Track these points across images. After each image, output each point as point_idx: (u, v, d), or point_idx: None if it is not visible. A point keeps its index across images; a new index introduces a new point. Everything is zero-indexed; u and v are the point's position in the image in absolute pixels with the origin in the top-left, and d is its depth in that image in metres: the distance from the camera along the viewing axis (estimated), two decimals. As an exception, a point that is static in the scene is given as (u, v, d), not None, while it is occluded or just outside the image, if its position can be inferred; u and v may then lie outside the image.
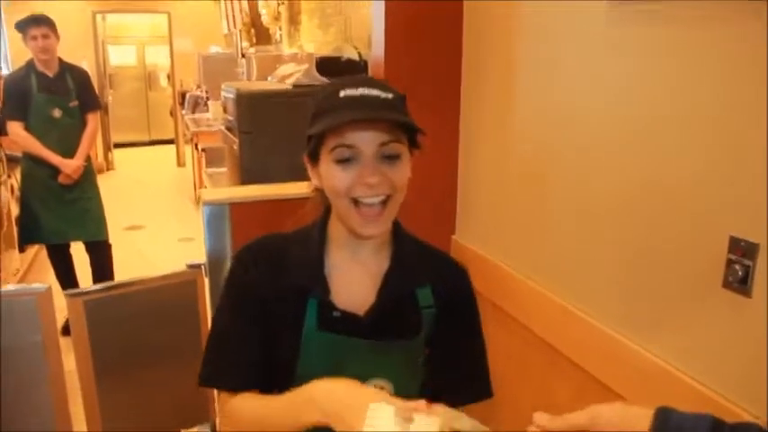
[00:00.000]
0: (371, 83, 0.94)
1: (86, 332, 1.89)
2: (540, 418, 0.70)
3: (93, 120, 3.46)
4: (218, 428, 2.16)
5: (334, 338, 0.97)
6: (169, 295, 2.05)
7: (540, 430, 0.70)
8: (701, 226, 1.25)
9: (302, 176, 2.33)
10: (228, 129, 2.41)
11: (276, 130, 2.25)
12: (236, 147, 2.27)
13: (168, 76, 9.50)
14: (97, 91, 3.94)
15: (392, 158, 0.93)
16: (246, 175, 2.28)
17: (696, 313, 1.28)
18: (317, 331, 0.97)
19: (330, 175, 0.93)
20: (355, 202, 0.93)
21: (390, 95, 0.92)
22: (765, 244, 1.14)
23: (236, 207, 1.99)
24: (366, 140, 0.91)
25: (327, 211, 1.05)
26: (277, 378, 0.98)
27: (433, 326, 1.05)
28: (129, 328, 2.00)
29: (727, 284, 1.21)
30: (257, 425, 0.94)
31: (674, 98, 1.32)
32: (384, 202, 0.94)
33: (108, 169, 8.27)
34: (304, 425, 0.86)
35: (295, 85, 2.26)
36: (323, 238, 1.03)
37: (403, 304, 1.02)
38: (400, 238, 1.06)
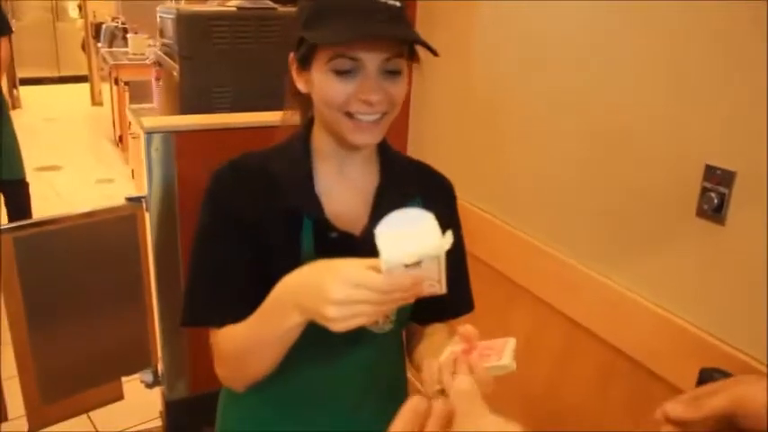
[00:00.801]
0: None
1: (16, 272, 1.73)
2: (674, 409, 0.56)
3: (4, 46, 3.14)
4: (162, 373, 2.07)
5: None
6: (107, 231, 1.91)
7: (676, 423, 0.56)
8: (676, 156, 1.26)
9: (248, 107, 2.21)
10: (167, 54, 2.23)
11: (220, 56, 2.10)
12: (175, 73, 2.10)
13: (79, 7, 8.81)
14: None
15: (394, 74, 0.86)
16: (187, 105, 2.12)
17: (669, 243, 1.29)
18: (315, 255, 0.90)
19: (325, 86, 0.85)
20: (349, 114, 0.86)
21: (398, 3, 0.84)
22: (741, 171, 1.15)
23: (182, 137, 1.84)
24: (371, 55, 0.83)
25: (309, 122, 0.97)
26: None
27: None
28: (63, 267, 1.86)
29: (701, 213, 1.22)
30: (248, 350, 0.87)
31: (646, 27, 1.30)
32: (379, 119, 0.88)
33: (14, 107, 7.65)
34: (292, 329, 0.78)
35: (239, 8, 2.10)
36: (307, 152, 0.95)
37: None
38: (387, 152, 1.00)
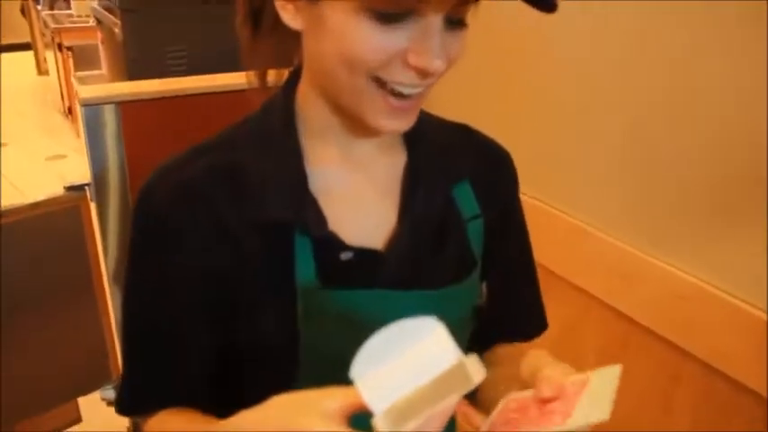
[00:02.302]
0: None
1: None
2: None
3: None
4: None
5: (352, 297, 0.59)
6: (46, 227, 1.61)
7: None
8: (749, 122, 1.03)
9: (209, 69, 1.88)
10: (106, 8, 1.87)
11: (170, 7, 1.75)
12: (117, 30, 1.75)
13: (15, -33, 8.23)
14: None
15: (459, 25, 0.55)
16: (134, 69, 1.78)
17: (746, 223, 1.07)
18: (321, 289, 0.59)
19: (355, 36, 0.52)
20: (381, 83, 0.54)
21: None
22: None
23: (127, 108, 1.51)
24: None
25: (291, 86, 0.64)
26: (264, 378, 0.60)
27: (481, 245, 0.70)
28: (2, 268, 1.55)
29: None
30: None
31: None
32: (422, 93, 0.57)
33: (-49, 80, 7.15)
34: None
35: (192, -54, 1.75)
36: (292, 130, 0.62)
37: (440, 218, 0.66)
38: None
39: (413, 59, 0.53)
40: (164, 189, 0.61)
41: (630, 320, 1.26)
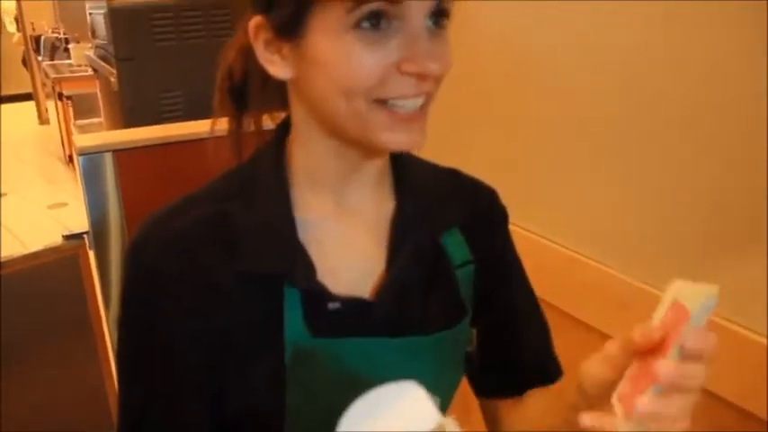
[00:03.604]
0: None
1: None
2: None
3: None
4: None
5: (341, 345, 0.59)
6: (45, 277, 1.60)
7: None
8: (746, 143, 1.00)
9: (204, 114, 1.91)
10: (102, 58, 1.90)
11: (164, 55, 1.78)
12: (113, 79, 1.77)
13: (16, 19, 8.38)
14: None
15: (441, 25, 0.55)
16: (131, 116, 1.81)
17: (744, 249, 1.06)
18: (311, 338, 0.59)
19: (345, 59, 0.52)
20: (381, 103, 0.54)
21: None
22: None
23: (124, 156, 1.52)
24: None
25: (281, 135, 0.65)
26: (255, 427, 0.60)
27: (474, 290, 0.70)
28: (3, 318, 1.55)
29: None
30: None
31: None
32: (425, 104, 0.57)
33: (-46, 132, 7.22)
34: None
35: (184, -3, 1.79)
36: (282, 181, 0.62)
37: (428, 265, 0.66)
38: (402, 162, 0.68)
39: (407, 67, 0.53)
40: (154, 241, 0.61)
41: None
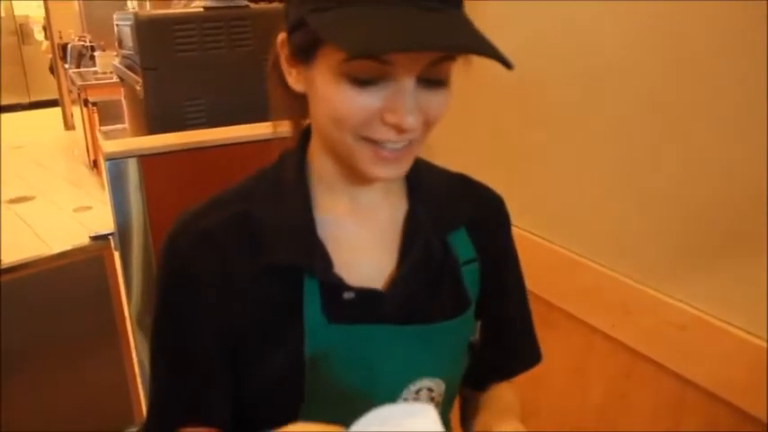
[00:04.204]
0: None
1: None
2: None
3: None
4: None
5: (355, 331, 0.65)
6: (72, 276, 1.66)
7: None
8: (750, 148, 1.01)
9: (226, 121, 1.96)
10: (128, 67, 1.97)
11: (188, 64, 1.85)
12: (139, 88, 1.84)
13: (44, 28, 8.54)
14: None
15: (437, 84, 0.60)
16: (155, 124, 1.87)
17: (746, 252, 1.06)
18: (328, 325, 0.65)
19: (336, 97, 0.58)
20: (367, 140, 0.60)
21: None
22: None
23: (148, 161, 1.59)
24: (412, 58, 0.56)
25: (304, 141, 0.71)
26: (273, 407, 0.66)
27: (478, 286, 0.75)
28: (26, 319, 1.61)
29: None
30: None
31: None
32: (409, 146, 0.62)
33: (-17, 137, 7.38)
34: None
35: (206, 8, 1.85)
36: (303, 183, 0.69)
37: (437, 263, 0.71)
38: (416, 166, 0.72)
39: (388, 117, 0.57)
40: (186, 237, 0.67)
41: (633, 351, 1.27)
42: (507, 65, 0.53)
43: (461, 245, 0.73)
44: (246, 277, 0.66)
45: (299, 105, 0.68)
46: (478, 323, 0.77)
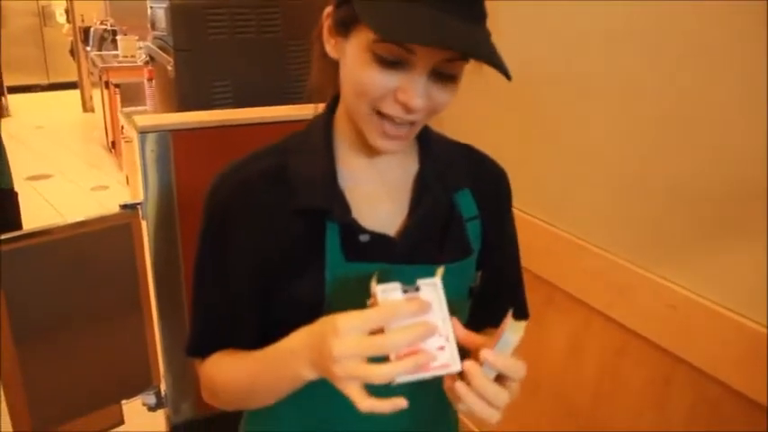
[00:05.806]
0: None
1: (1, 289, 1.57)
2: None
3: None
4: (165, 394, 1.92)
5: (368, 268, 0.74)
6: (101, 242, 1.74)
7: None
8: (744, 138, 1.08)
9: (252, 103, 2.05)
10: (161, 48, 2.06)
11: (218, 47, 1.94)
12: (170, 68, 1.93)
13: (66, 11, 8.62)
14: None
15: (448, 79, 0.69)
16: (184, 102, 1.97)
17: (738, 237, 1.14)
18: (346, 262, 0.75)
19: (360, 70, 0.68)
20: (379, 114, 0.70)
21: None
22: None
23: (179, 135, 1.68)
24: (432, 52, 0.65)
25: (333, 104, 0.81)
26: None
27: (479, 241, 0.85)
28: (53, 283, 1.70)
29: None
30: (248, 389, 0.77)
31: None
32: (413, 123, 0.72)
33: (3, 116, 7.47)
34: (290, 383, 0.69)
35: (238, -5, 1.94)
36: (329, 139, 0.80)
37: (443, 216, 0.82)
38: (427, 135, 0.84)
39: (400, 96, 0.67)
40: (227, 185, 0.79)
41: (627, 330, 1.35)
42: (508, 77, 0.64)
43: (466, 204, 0.84)
44: (278, 219, 0.76)
45: (332, 71, 0.78)
46: (479, 273, 0.87)
